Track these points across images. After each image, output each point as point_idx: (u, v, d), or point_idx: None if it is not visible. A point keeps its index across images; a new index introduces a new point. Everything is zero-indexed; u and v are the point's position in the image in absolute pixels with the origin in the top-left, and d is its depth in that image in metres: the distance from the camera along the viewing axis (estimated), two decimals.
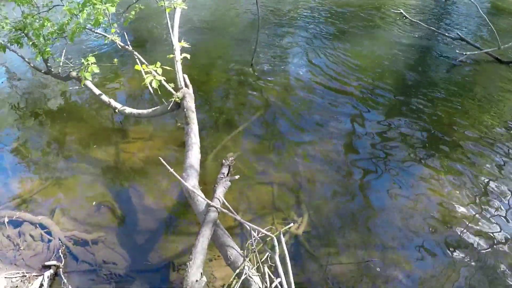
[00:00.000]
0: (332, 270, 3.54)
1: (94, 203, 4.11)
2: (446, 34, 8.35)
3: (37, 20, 5.12)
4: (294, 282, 3.29)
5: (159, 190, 4.30)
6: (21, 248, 3.69)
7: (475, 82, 6.93)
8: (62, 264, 3.51)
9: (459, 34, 7.98)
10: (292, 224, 3.03)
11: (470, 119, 5.73)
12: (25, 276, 3.41)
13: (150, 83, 4.13)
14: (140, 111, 4.62)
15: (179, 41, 4.64)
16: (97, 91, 4.98)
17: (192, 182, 3.37)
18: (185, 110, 4.09)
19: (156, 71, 4.21)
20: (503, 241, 3.92)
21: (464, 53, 7.40)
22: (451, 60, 7.57)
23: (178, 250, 3.66)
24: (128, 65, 6.52)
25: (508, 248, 3.83)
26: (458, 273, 3.63)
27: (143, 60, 4.70)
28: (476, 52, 7.52)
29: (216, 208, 3.07)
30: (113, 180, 4.45)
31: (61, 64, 5.30)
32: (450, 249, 3.83)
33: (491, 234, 3.99)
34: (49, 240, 3.74)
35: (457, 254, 3.78)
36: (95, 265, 3.54)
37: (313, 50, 7.50)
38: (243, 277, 2.79)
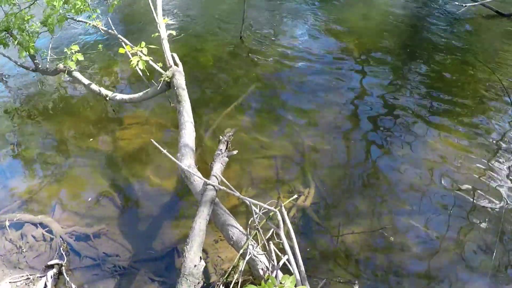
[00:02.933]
0: (344, 241, 3.38)
1: (89, 199, 3.95)
2: None
3: (19, 16, 4.95)
4: (306, 257, 3.17)
5: (159, 175, 4.15)
6: (24, 250, 3.57)
7: (478, 37, 6.70)
8: (65, 261, 3.37)
9: None
10: (296, 196, 2.84)
11: (474, 76, 5.50)
12: (29, 278, 3.31)
13: (137, 65, 3.95)
14: (131, 95, 4.43)
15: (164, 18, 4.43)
16: (86, 81, 4.80)
17: (187, 162, 3.17)
18: (175, 88, 3.88)
19: (141, 51, 4.02)
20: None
21: (464, 5, 7.07)
22: (452, 15, 7.25)
23: (181, 235, 3.50)
24: (116, 51, 6.26)
25: None
26: (473, 234, 3.48)
27: (128, 42, 4.52)
28: (475, 3, 7.18)
29: (214, 186, 2.87)
30: (111, 170, 4.31)
31: (48, 59, 5.12)
32: (464, 210, 3.67)
33: (504, 193, 3.81)
34: (51, 239, 3.61)
35: (472, 215, 3.63)
36: (98, 259, 3.41)
37: (306, 17, 7.17)
38: (247, 257, 2.62)
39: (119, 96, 4.54)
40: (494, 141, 4.39)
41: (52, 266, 3.31)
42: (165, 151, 2.94)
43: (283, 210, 2.48)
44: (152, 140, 3.02)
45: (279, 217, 2.51)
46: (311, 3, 7.58)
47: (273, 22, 7.00)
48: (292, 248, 2.52)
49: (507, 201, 3.71)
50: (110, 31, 4.78)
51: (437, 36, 6.53)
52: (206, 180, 2.90)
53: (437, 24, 6.93)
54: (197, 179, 3.04)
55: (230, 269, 2.94)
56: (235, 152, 3.32)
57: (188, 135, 3.45)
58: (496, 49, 6.19)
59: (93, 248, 3.50)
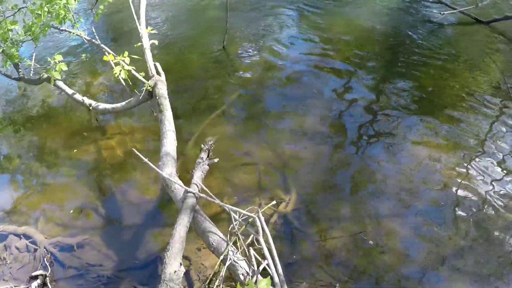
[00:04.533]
0: (324, 246, 3.41)
1: (71, 210, 3.96)
2: None
3: (3, 25, 4.95)
4: (288, 262, 3.22)
5: (142, 183, 4.17)
6: (8, 262, 3.57)
7: (458, 43, 6.82)
8: (49, 272, 3.37)
9: None
10: (274, 202, 2.87)
11: (455, 80, 5.60)
12: None
13: (120, 74, 3.97)
14: (114, 105, 4.46)
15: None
16: (69, 91, 4.82)
17: (168, 170, 3.21)
18: (157, 97, 3.91)
19: (124, 61, 4.04)
20: (498, 198, 3.83)
21: (441, 13, 7.24)
22: (431, 23, 7.39)
23: (164, 243, 3.44)
24: (100, 60, 6.25)
25: (503, 206, 3.75)
26: (453, 234, 3.54)
27: (111, 52, 4.53)
28: (453, 11, 7.38)
29: (194, 193, 2.91)
30: (95, 180, 4.31)
31: (32, 68, 5.12)
32: (444, 212, 3.73)
33: (486, 193, 3.89)
34: (35, 250, 3.61)
35: (452, 216, 3.69)
36: (82, 269, 3.42)
37: (289, 25, 7.24)
38: (228, 263, 2.66)
39: (102, 105, 4.57)
40: (474, 144, 4.46)
41: (36, 277, 3.30)
42: (146, 160, 2.97)
43: (261, 216, 2.52)
44: (134, 149, 3.05)
45: (258, 223, 2.55)
46: (294, 12, 7.65)
47: (257, 31, 7.03)
48: (271, 252, 2.56)
49: (487, 201, 3.79)
50: (93, 40, 4.80)
51: (418, 43, 6.64)
52: (186, 188, 2.93)
53: (418, 32, 7.04)
54: (178, 187, 3.08)
55: (211, 275, 2.97)
56: (216, 160, 3.36)
57: (170, 144, 3.49)
58: (476, 56, 6.31)
59: (77, 258, 3.50)
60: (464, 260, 3.32)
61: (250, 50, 6.42)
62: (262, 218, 2.52)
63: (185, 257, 3.28)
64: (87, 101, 4.69)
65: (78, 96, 4.74)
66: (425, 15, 7.73)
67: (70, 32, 4.90)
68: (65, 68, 4.51)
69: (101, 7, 5.32)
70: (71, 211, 3.95)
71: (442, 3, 7.67)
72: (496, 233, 3.52)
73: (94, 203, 4.01)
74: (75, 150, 4.62)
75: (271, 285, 2.23)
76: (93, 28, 4.90)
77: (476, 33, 7.09)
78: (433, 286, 3.18)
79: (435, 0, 7.83)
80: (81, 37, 4.78)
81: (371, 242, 3.40)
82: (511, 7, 8.10)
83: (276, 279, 2.50)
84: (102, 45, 4.74)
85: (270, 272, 2.53)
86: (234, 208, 2.64)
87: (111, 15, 7.37)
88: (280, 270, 2.54)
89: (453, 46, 6.60)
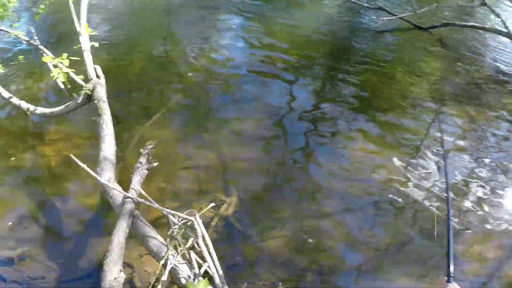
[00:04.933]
0: (266, 246, 3.45)
1: (9, 223, 3.76)
2: (365, 5, 8.47)
3: None
4: (231, 264, 3.23)
5: (82, 191, 4.05)
6: None
7: (397, 48, 7.22)
8: None
9: (378, 4, 8.18)
10: (213, 205, 2.87)
11: (395, 85, 5.88)
12: None
13: (58, 77, 3.86)
14: (52, 109, 4.32)
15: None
16: (6, 94, 4.61)
17: (106, 176, 3.14)
18: (96, 101, 3.82)
19: (62, 63, 3.94)
20: (432, 198, 4.00)
21: (380, 19, 7.57)
22: (371, 29, 7.71)
23: (106, 251, 3.43)
24: (38, 62, 6.03)
25: (436, 206, 3.89)
26: (394, 231, 3.70)
27: (49, 53, 4.41)
28: (392, 18, 7.72)
29: (132, 198, 2.86)
30: (33, 189, 4.14)
31: None
32: (382, 211, 3.89)
33: (421, 194, 4.06)
34: None
35: (390, 216, 3.86)
36: (23, 282, 3.26)
37: (233, 30, 7.30)
38: (168, 267, 2.63)
39: (40, 110, 4.41)
40: (411, 146, 4.67)
41: None
42: (84, 166, 2.90)
43: (199, 219, 2.52)
44: (71, 155, 2.97)
45: (196, 226, 2.54)
46: (239, 17, 7.71)
47: (199, 35, 7.02)
48: (211, 254, 2.56)
49: (422, 202, 3.97)
50: (31, 41, 4.65)
51: (358, 48, 6.90)
52: (125, 193, 2.89)
53: (358, 37, 7.31)
54: (116, 193, 3.02)
55: (153, 281, 2.94)
56: (155, 164, 3.32)
57: (108, 148, 3.41)
58: (414, 61, 6.59)
59: (18, 272, 3.34)
60: (402, 256, 3.46)
61: (192, 54, 6.39)
62: (200, 221, 2.52)
63: (127, 265, 3.23)
64: (24, 105, 4.51)
65: (15, 100, 4.55)
66: (365, 21, 8.05)
67: (8, 32, 4.72)
68: (1, 70, 4.36)
69: (42, 6, 5.14)
70: (10, 223, 3.76)
71: (382, 10, 7.98)
72: (431, 232, 3.63)
73: (34, 213, 3.85)
74: (12, 158, 4.42)
75: (212, 287, 2.24)
76: (32, 28, 4.74)
77: (415, 39, 7.43)
78: (373, 282, 3.28)
79: (375, 7, 8.12)
80: (19, 37, 4.61)
81: (310, 240, 3.47)
82: (449, 14, 8.54)
83: (217, 280, 2.50)
84: (41, 46, 4.61)
85: (211, 273, 2.53)
86: (173, 212, 2.63)
87: (52, 14, 7.13)
88: (221, 272, 2.55)
89: (392, 52, 6.90)
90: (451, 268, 1.49)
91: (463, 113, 5.37)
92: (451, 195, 3.93)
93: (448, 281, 1.47)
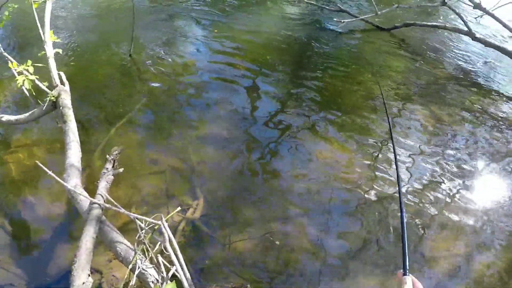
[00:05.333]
0: (234, 248, 3.51)
1: None
2: (327, 7, 8.62)
3: None
4: (199, 268, 3.29)
5: (49, 197, 4.02)
6: None
7: (360, 49, 7.35)
8: None
9: (339, 6, 8.35)
10: (179, 209, 2.91)
11: (358, 85, 6.01)
12: None
13: (23, 84, 3.83)
14: (17, 117, 4.27)
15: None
16: None
17: (73, 182, 3.15)
18: (61, 108, 3.82)
19: (27, 70, 3.91)
20: (399, 195, 4.10)
21: (342, 21, 7.68)
22: (334, 31, 7.88)
23: (74, 256, 3.43)
24: (3, 69, 5.92)
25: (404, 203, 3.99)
26: (359, 232, 3.80)
27: (13, 60, 4.34)
28: (353, 19, 7.89)
29: (99, 204, 2.88)
30: (0, 196, 4.07)
31: None
32: (350, 210, 4.00)
33: (388, 191, 4.23)
34: None
35: (357, 214, 3.96)
36: None
37: (196, 35, 7.28)
38: (137, 272, 2.66)
39: (5, 117, 4.35)
40: (376, 145, 4.80)
41: None
42: (50, 172, 2.89)
43: (165, 223, 2.56)
44: (38, 162, 2.95)
45: (163, 230, 2.58)
46: (201, 23, 7.72)
47: (163, 40, 7.02)
48: (178, 258, 2.61)
49: (390, 199, 4.12)
50: None
51: (321, 50, 7.01)
52: (91, 199, 2.90)
53: (320, 39, 7.42)
54: (83, 199, 3.04)
55: (122, 286, 2.95)
56: (121, 170, 3.33)
57: (74, 155, 3.42)
58: (377, 61, 6.76)
59: None
60: (370, 254, 3.59)
61: (157, 59, 6.39)
62: (166, 225, 2.55)
63: (96, 270, 3.25)
64: None
65: None
66: (327, 23, 8.17)
67: None
68: None
69: (6, 13, 5.07)
70: None
71: (343, 11, 8.12)
72: (397, 227, 3.81)
73: (1, 221, 3.80)
74: None
75: None
76: None
77: (377, 40, 7.60)
78: (342, 280, 3.39)
79: (336, 9, 8.26)
80: None
81: (277, 242, 3.55)
82: (410, 15, 8.77)
83: (185, 284, 2.54)
84: (5, 53, 4.52)
85: (179, 277, 2.57)
86: (139, 217, 2.65)
87: (16, 21, 7.01)
88: (188, 275, 2.59)
89: (354, 53, 7.04)
90: (407, 262, 1.57)
91: (426, 112, 5.55)
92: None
93: (405, 274, 1.54)
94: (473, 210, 4.15)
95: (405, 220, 1.74)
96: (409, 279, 1.50)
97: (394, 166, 4.50)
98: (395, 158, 2.12)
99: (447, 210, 4.10)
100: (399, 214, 1.74)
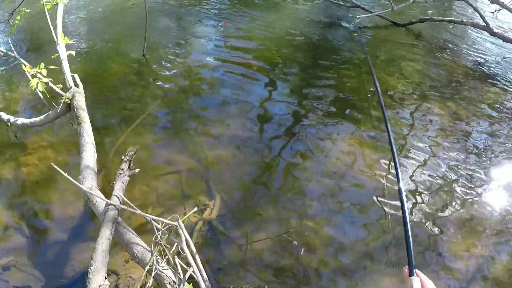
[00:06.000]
0: (251, 249, 3.46)
1: None
2: (342, 3, 8.53)
3: None
4: (216, 268, 3.25)
5: (65, 199, 4.02)
6: None
7: (377, 46, 7.22)
8: None
9: (354, 1, 8.22)
10: (196, 209, 2.88)
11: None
12: None
13: (37, 87, 3.83)
14: (32, 119, 4.29)
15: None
16: None
17: (88, 184, 3.14)
18: (75, 110, 3.81)
19: (41, 73, 3.91)
20: (419, 195, 4.09)
21: (357, 16, 7.59)
22: (350, 27, 7.77)
23: (90, 258, 3.43)
24: (17, 73, 5.92)
25: (425, 202, 4.02)
26: (378, 231, 3.73)
27: (27, 63, 4.35)
28: (369, 15, 7.80)
29: (115, 205, 2.86)
30: (16, 199, 4.09)
31: None
32: (369, 211, 3.92)
33: (407, 191, 4.14)
34: None
35: (376, 213, 3.88)
36: None
37: (209, 35, 7.27)
38: (153, 273, 2.63)
39: (20, 120, 4.39)
40: (395, 143, 4.70)
41: None
42: (65, 174, 2.88)
43: (181, 224, 2.53)
44: (53, 165, 2.95)
45: (180, 231, 2.55)
46: (214, 21, 7.71)
47: (176, 40, 7.01)
48: (195, 259, 2.57)
49: (409, 199, 4.04)
50: (9, 52, 4.61)
51: (336, 46, 6.94)
52: (107, 200, 2.88)
53: (336, 36, 7.37)
54: (99, 200, 3.02)
55: (138, 287, 2.93)
56: (137, 170, 3.32)
57: (89, 156, 3.41)
58: (394, 57, 6.66)
59: (3, 282, 3.33)
60: (389, 255, 3.51)
61: (170, 58, 6.38)
62: (183, 226, 2.53)
63: (112, 271, 3.24)
64: (4, 116, 4.48)
65: None
66: (342, 19, 8.08)
67: None
68: None
69: (18, 17, 5.11)
70: None
71: (359, 7, 8.04)
72: (418, 229, 3.75)
73: (18, 223, 3.81)
74: None
75: None
76: (9, 39, 4.70)
77: (393, 36, 7.50)
78: (359, 282, 3.32)
79: (351, 5, 8.17)
80: None
81: (295, 242, 3.49)
82: (426, 11, 8.64)
83: (202, 285, 2.51)
84: (18, 57, 4.55)
85: (196, 278, 2.54)
86: (156, 218, 2.63)
87: (29, 24, 7.07)
88: (206, 276, 2.56)
89: (370, 49, 6.92)
90: (412, 261, 1.48)
91: (444, 108, 5.44)
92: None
93: (411, 274, 1.45)
94: (492, 209, 4.05)
95: (408, 217, 1.67)
96: (416, 279, 1.41)
97: (414, 166, 4.44)
98: (394, 157, 2.00)
99: (465, 208, 4.01)
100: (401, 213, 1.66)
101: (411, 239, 1.54)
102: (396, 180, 3.97)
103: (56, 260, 3.51)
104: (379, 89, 2.59)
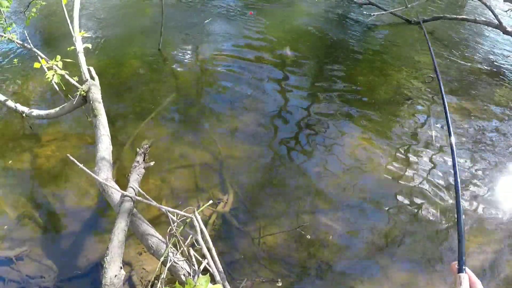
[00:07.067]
0: (264, 242, 3.48)
1: (6, 227, 3.76)
2: (356, 1, 8.52)
3: None
4: (230, 261, 3.26)
5: (80, 190, 4.06)
6: None
7: (389, 43, 7.19)
8: None
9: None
10: (210, 202, 2.90)
11: (387, 78, 5.93)
12: None
13: (53, 79, 3.87)
14: (47, 111, 4.33)
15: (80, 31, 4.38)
16: (1, 97, 4.62)
17: (104, 175, 3.16)
18: (91, 102, 3.84)
19: (57, 65, 3.95)
20: (429, 190, 4.08)
21: (372, 14, 7.57)
22: (363, 24, 7.80)
23: (105, 249, 3.34)
24: (32, 65, 6.03)
25: (434, 197, 4.01)
26: (390, 225, 3.74)
27: (43, 56, 4.42)
28: (383, 12, 7.77)
29: (130, 197, 2.89)
30: (31, 190, 4.14)
31: None
32: (380, 205, 3.93)
33: (419, 186, 4.14)
34: None
35: (388, 209, 3.89)
36: (22, 282, 3.27)
37: (224, 29, 7.28)
38: (168, 265, 2.65)
39: (35, 112, 4.42)
40: (407, 139, 4.71)
41: None
42: (81, 166, 2.90)
43: (198, 216, 2.54)
44: (69, 155, 2.97)
45: (195, 223, 2.57)
46: (230, 17, 7.71)
47: (192, 34, 7.02)
48: (210, 251, 2.59)
49: (420, 194, 4.04)
50: (25, 44, 4.65)
51: (350, 43, 6.92)
52: (123, 192, 2.90)
53: (350, 32, 7.35)
54: (114, 192, 3.05)
55: (153, 278, 2.96)
56: (152, 163, 3.34)
57: (105, 148, 3.44)
58: (407, 55, 6.63)
59: (17, 271, 3.36)
60: (400, 249, 3.52)
61: (185, 52, 6.41)
62: (199, 218, 2.54)
63: (126, 263, 3.26)
64: (20, 107, 4.52)
65: (11, 103, 4.55)
66: (356, 16, 8.08)
67: (2, 36, 4.73)
68: None
69: (34, 10, 5.14)
70: (10, 221, 3.77)
71: (373, 5, 8.02)
72: (428, 223, 3.75)
73: (32, 214, 3.86)
74: (10, 161, 4.43)
75: (212, 283, 2.26)
76: (25, 31, 4.74)
77: (406, 34, 7.47)
78: (372, 275, 3.32)
79: (365, 2, 8.15)
80: (13, 41, 4.61)
81: (308, 236, 3.50)
82: (439, 9, 8.59)
83: (217, 277, 2.53)
84: (34, 49, 4.59)
85: (211, 270, 2.56)
86: (171, 209, 2.65)
87: (45, 17, 7.13)
88: (221, 268, 2.58)
89: (384, 47, 6.92)
90: (463, 257, 1.41)
91: (457, 106, 5.42)
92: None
93: (460, 271, 1.38)
94: (505, 207, 4.04)
95: (462, 215, 1.60)
96: (465, 277, 1.35)
97: (426, 159, 4.43)
98: (452, 150, 1.92)
99: (478, 206, 3.99)
100: (455, 209, 1.61)
101: (464, 234, 1.47)
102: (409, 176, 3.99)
103: (69, 250, 3.54)
104: (439, 76, 2.56)
